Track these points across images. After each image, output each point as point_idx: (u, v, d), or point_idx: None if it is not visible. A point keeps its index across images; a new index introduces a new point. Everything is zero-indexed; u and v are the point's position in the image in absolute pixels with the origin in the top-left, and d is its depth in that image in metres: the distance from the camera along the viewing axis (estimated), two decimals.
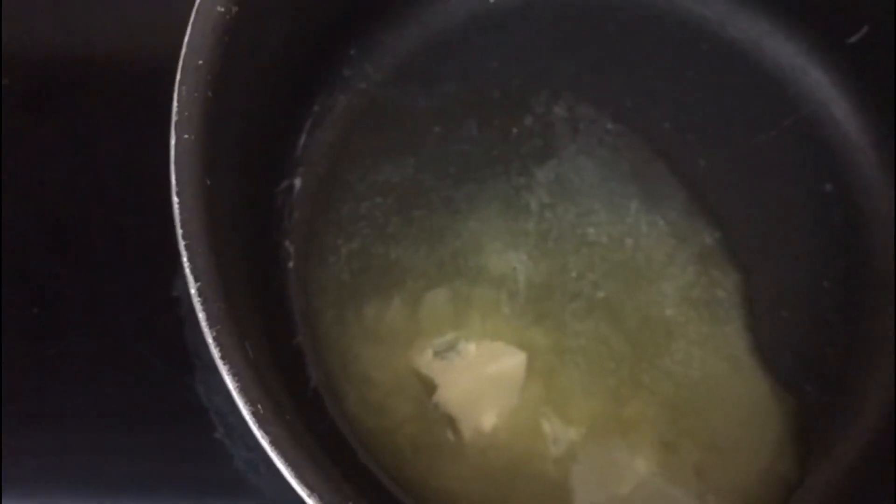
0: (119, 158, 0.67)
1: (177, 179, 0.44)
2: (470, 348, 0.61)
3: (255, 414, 0.42)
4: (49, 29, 0.69)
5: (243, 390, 0.42)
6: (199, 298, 0.43)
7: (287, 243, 0.63)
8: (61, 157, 0.67)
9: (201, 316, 0.43)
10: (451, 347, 0.61)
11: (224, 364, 0.42)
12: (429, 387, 0.60)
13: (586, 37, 0.70)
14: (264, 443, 0.42)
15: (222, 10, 0.48)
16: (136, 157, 0.65)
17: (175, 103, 0.46)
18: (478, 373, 0.60)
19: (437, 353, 0.61)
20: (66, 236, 0.65)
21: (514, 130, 0.67)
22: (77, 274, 0.64)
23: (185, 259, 0.43)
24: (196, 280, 0.43)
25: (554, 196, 0.66)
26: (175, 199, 0.44)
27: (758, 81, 0.69)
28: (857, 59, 0.67)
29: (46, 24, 0.69)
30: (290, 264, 0.63)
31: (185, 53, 0.46)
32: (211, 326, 0.43)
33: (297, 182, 0.64)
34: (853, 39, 0.66)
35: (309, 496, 0.41)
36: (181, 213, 0.44)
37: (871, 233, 0.66)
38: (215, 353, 0.43)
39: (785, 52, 0.70)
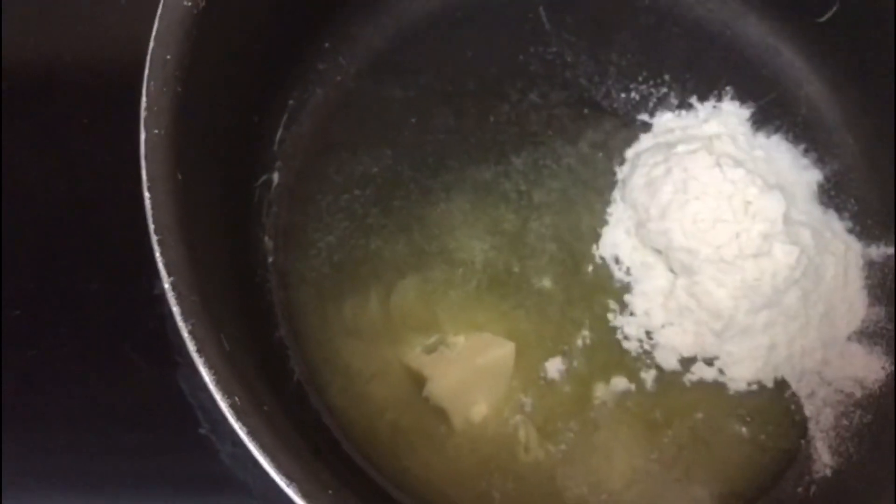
0: (97, 159, 0.67)
1: (147, 175, 0.44)
2: (458, 340, 0.61)
3: (232, 406, 0.42)
4: (20, 32, 0.69)
5: (219, 382, 0.42)
6: (173, 293, 0.43)
7: (266, 238, 0.63)
8: (38, 160, 0.67)
9: (176, 310, 0.43)
10: (441, 341, 0.61)
11: (200, 357, 0.42)
12: (419, 380, 0.60)
13: (558, 24, 0.70)
14: (242, 434, 0.42)
15: (189, 4, 0.48)
16: (114, 158, 0.65)
17: (144, 99, 0.46)
18: (467, 364, 0.60)
19: (426, 348, 0.61)
20: (45, 238, 0.65)
21: (491, 119, 0.68)
22: (58, 275, 0.64)
23: (157, 254, 0.44)
24: (169, 275, 0.43)
25: (531, 183, 0.66)
26: (146, 195, 0.44)
27: (733, 62, 0.70)
28: (829, 37, 0.68)
29: (18, 28, 0.69)
30: (270, 259, 0.63)
31: (153, 48, 0.47)
32: (186, 320, 0.43)
33: (275, 176, 0.65)
34: (824, 18, 0.67)
35: (288, 485, 0.41)
36: (153, 208, 0.44)
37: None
38: (191, 346, 0.43)
39: (757, 33, 0.70)
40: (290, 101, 0.66)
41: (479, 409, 0.60)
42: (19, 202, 0.66)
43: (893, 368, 0.62)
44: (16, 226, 0.65)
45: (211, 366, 0.42)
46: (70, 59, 0.68)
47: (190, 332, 0.43)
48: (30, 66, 0.68)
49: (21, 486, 0.60)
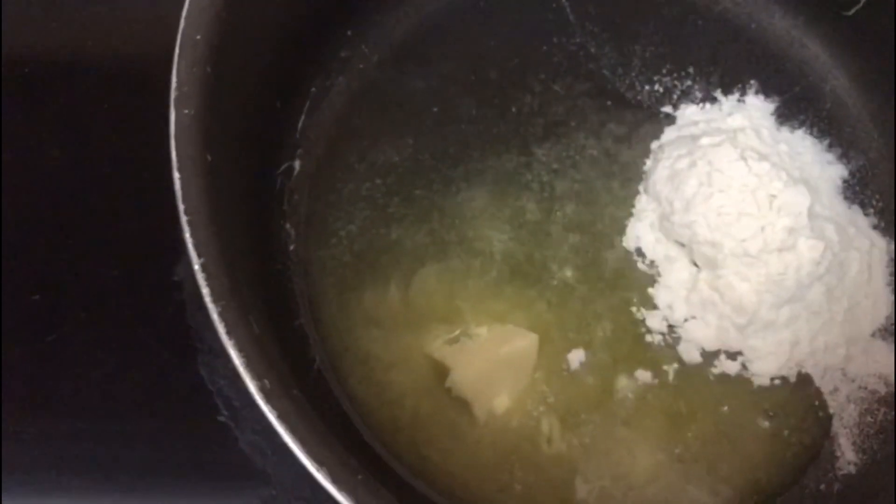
0: (118, 146, 0.67)
1: (177, 155, 0.44)
2: (481, 331, 0.61)
3: (261, 389, 0.42)
4: (43, 18, 0.69)
5: (249, 365, 0.42)
6: (203, 274, 0.43)
7: (288, 226, 0.63)
8: (60, 145, 0.67)
9: (205, 291, 0.42)
10: (463, 332, 0.61)
11: (230, 339, 0.42)
12: (441, 371, 0.60)
13: (582, 15, 0.69)
14: (272, 417, 0.41)
15: None
16: (136, 145, 0.65)
17: (174, 78, 0.45)
18: (490, 355, 0.60)
19: (448, 339, 0.61)
20: (66, 223, 0.65)
21: (514, 109, 0.67)
22: (78, 260, 0.64)
23: (187, 235, 0.43)
24: (199, 256, 0.43)
25: (554, 173, 0.66)
26: (176, 175, 0.44)
27: (757, 55, 0.69)
28: (855, 31, 0.67)
29: (41, 14, 0.69)
30: (291, 247, 0.63)
31: (183, 28, 0.46)
32: (215, 302, 0.42)
33: (297, 164, 0.64)
34: (850, 12, 0.66)
35: (318, 470, 0.41)
36: (183, 189, 0.43)
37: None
38: (220, 328, 0.42)
39: (782, 26, 0.70)
40: (312, 89, 0.66)
41: (502, 401, 0.59)
42: (40, 188, 0.65)
43: None
44: (37, 211, 0.64)
45: (241, 349, 0.42)
46: (93, 46, 0.68)
47: (220, 315, 0.42)
48: (52, 52, 0.68)
49: (37, 471, 0.60)
